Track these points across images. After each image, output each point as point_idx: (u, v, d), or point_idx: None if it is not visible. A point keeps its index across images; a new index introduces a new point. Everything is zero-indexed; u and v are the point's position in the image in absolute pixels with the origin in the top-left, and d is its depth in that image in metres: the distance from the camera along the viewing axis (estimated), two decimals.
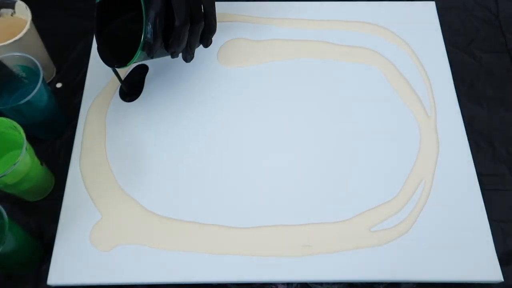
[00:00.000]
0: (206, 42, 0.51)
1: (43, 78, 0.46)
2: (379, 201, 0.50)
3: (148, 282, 0.46)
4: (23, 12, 0.52)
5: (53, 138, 0.55)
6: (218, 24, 0.56)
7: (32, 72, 0.49)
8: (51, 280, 0.45)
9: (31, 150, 0.45)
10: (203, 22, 0.47)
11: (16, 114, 0.47)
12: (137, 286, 0.47)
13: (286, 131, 0.54)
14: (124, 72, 0.57)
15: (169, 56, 0.49)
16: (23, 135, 0.43)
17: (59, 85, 0.58)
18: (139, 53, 0.44)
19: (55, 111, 0.52)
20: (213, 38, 0.60)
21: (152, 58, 0.46)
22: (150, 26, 0.43)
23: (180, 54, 0.50)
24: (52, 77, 0.59)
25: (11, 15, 0.53)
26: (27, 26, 0.50)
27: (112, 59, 0.48)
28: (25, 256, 0.45)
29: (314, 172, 0.51)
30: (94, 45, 0.59)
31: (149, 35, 0.43)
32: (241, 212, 0.49)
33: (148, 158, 0.52)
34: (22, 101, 0.45)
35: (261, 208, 0.49)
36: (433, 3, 0.64)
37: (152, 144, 0.53)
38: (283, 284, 0.47)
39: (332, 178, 0.51)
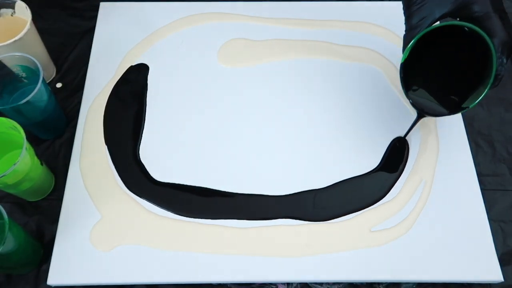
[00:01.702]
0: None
1: (43, 78, 0.46)
2: (380, 201, 0.50)
3: (148, 282, 0.46)
4: (23, 12, 0.52)
5: (53, 138, 0.55)
6: (218, 24, 0.56)
7: (32, 72, 0.49)
8: (51, 280, 0.45)
9: (31, 150, 0.45)
10: None
11: (16, 114, 0.47)
12: (137, 286, 0.47)
13: (287, 131, 0.54)
14: (122, 71, 0.57)
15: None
16: (23, 135, 0.43)
17: (59, 85, 0.59)
18: (487, 92, 0.42)
19: (55, 111, 0.52)
20: (213, 38, 0.61)
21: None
22: (503, 58, 0.40)
23: None
24: (52, 77, 0.59)
25: (11, 15, 0.53)
26: (27, 26, 0.50)
27: (435, 106, 0.46)
28: (25, 256, 0.45)
29: (313, 171, 0.51)
30: (94, 45, 0.59)
31: (500, 67, 0.40)
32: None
33: (148, 157, 0.52)
34: (22, 101, 0.45)
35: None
36: None
37: (152, 144, 0.53)
38: (283, 284, 0.47)
39: (331, 178, 0.51)
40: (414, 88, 0.47)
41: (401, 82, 0.46)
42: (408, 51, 0.44)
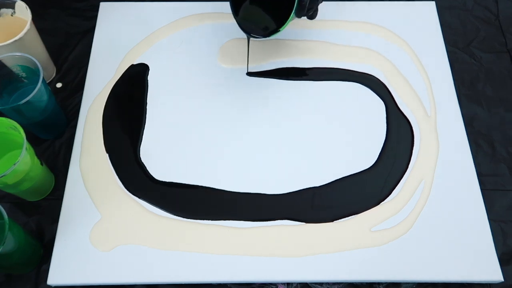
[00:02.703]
0: None
1: (43, 78, 0.46)
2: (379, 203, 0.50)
3: (148, 282, 0.46)
4: (23, 12, 0.52)
5: (53, 138, 0.55)
6: (218, 24, 0.56)
7: (32, 72, 0.49)
8: (51, 280, 0.45)
9: (31, 150, 0.45)
10: None
11: (16, 114, 0.47)
12: (137, 286, 0.47)
13: (286, 130, 0.54)
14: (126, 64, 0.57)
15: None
16: (23, 135, 0.43)
17: (59, 85, 0.59)
18: (292, 16, 0.47)
19: (55, 111, 0.52)
20: (213, 38, 0.61)
21: (300, 17, 0.49)
22: None
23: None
24: (52, 77, 0.59)
25: (11, 15, 0.53)
26: (27, 26, 0.50)
27: (257, 29, 0.51)
28: (25, 256, 0.45)
29: (311, 169, 0.51)
30: (94, 45, 0.59)
31: None
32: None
33: (148, 157, 0.52)
34: (22, 101, 0.45)
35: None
36: (433, 3, 0.64)
37: (152, 143, 0.53)
38: (283, 284, 0.47)
39: (330, 177, 0.51)
40: (241, 12, 0.52)
41: (230, 6, 0.51)
42: None
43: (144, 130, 0.54)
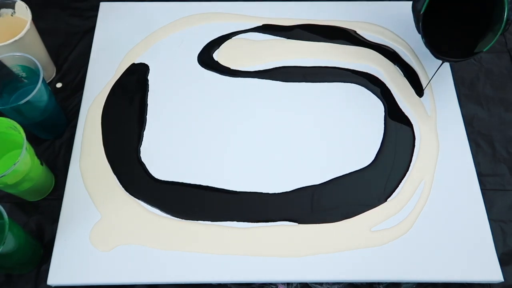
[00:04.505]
0: None
1: (43, 78, 0.46)
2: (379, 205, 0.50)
3: (148, 282, 0.46)
4: (23, 12, 0.52)
5: (53, 138, 0.55)
6: (218, 24, 0.56)
7: (32, 72, 0.49)
8: (51, 280, 0.45)
9: (31, 150, 0.45)
10: None
11: (16, 114, 0.47)
12: (137, 286, 0.47)
13: (286, 129, 0.54)
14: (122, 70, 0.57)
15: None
16: (23, 135, 0.43)
17: (59, 85, 0.59)
18: (500, 32, 0.46)
19: (55, 111, 0.52)
20: (213, 38, 0.61)
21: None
22: None
23: None
24: (52, 77, 0.59)
25: (11, 15, 0.53)
26: (27, 26, 0.50)
27: (451, 51, 0.50)
28: (25, 256, 0.45)
29: (311, 170, 0.51)
30: (94, 45, 0.59)
31: (510, 12, 0.45)
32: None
33: (148, 157, 0.52)
34: (22, 101, 0.45)
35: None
36: None
37: (151, 143, 0.53)
38: (283, 284, 0.47)
39: (330, 177, 0.51)
40: (431, 36, 0.50)
41: (421, 31, 0.49)
42: (427, 1, 0.47)
43: (144, 130, 0.54)
